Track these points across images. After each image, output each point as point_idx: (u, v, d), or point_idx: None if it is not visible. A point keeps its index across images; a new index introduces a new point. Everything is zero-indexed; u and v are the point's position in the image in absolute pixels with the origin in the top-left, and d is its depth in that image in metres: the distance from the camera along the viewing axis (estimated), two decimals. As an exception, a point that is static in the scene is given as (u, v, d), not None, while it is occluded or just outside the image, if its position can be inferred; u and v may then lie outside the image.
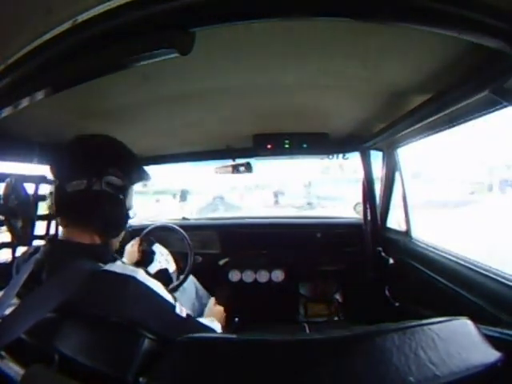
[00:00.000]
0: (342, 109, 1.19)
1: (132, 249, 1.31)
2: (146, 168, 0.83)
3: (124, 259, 1.15)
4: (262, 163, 1.91)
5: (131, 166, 0.76)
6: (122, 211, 0.74)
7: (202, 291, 1.52)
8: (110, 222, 0.72)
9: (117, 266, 0.64)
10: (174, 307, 0.67)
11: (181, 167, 2.20)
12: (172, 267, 1.39)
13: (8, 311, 0.57)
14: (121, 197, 0.72)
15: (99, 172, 0.68)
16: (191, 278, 1.50)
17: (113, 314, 0.56)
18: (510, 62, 0.61)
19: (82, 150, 0.73)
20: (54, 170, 0.71)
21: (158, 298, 0.64)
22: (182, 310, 0.68)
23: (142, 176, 0.80)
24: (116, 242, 0.79)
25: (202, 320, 0.81)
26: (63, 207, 0.70)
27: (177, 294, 1.28)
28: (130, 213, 0.77)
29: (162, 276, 1.32)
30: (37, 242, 1.11)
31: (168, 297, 0.67)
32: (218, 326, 0.85)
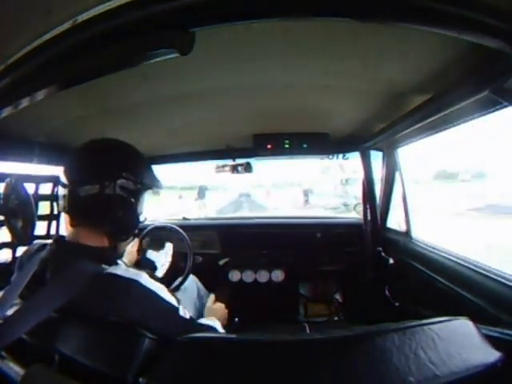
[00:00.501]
0: (342, 109, 1.19)
1: (132, 249, 1.32)
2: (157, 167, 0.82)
3: (124, 260, 1.15)
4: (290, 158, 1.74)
5: (143, 170, 0.76)
6: (133, 215, 0.74)
7: (204, 291, 1.51)
8: (120, 226, 0.72)
9: (120, 269, 0.64)
10: (177, 309, 0.67)
11: (205, 164, 2.07)
12: (162, 262, 1.41)
13: (11, 311, 0.57)
14: (132, 200, 0.72)
15: (112, 176, 0.68)
16: (193, 278, 1.50)
17: (113, 314, 0.56)
18: (510, 62, 0.61)
19: (94, 154, 0.73)
20: (67, 174, 0.70)
21: (161, 301, 0.64)
22: (185, 313, 0.69)
23: (154, 182, 0.80)
24: (124, 246, 0.79)
25: (203, 321, 0.81)
26: (75, 209, 0.70)
27: (178, 294, 1.28)
28: (141, 217, 0.77)
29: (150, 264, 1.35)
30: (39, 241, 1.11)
31: (171, 299, 0.67)
32: (219, 326, 0.86)
